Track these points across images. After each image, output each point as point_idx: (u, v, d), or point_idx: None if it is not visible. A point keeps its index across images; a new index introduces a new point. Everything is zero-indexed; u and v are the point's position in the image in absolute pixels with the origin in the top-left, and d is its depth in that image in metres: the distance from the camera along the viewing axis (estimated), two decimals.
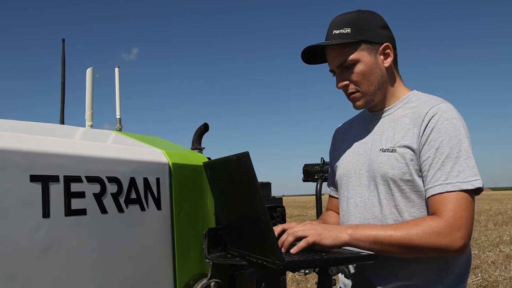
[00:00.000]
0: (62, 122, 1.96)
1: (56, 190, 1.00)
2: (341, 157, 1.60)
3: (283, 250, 1.25)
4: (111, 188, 1.14)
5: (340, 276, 1.57)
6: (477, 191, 1.28)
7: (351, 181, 1.52)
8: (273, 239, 1.14)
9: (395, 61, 1.50)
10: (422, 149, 1.34)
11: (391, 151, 1.39)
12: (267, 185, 2.03)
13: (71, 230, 1.03)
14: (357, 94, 1.47)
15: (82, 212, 1.06)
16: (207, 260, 1.38)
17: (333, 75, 1.51)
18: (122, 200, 1.16)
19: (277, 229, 1.39)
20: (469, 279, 1.46)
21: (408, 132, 1.39)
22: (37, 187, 0.97)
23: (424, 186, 1.33)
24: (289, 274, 6.09)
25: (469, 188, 1.26)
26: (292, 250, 1.23)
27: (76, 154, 1.08)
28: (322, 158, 2.73)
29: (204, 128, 1.80)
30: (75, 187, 1.05)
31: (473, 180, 1.27)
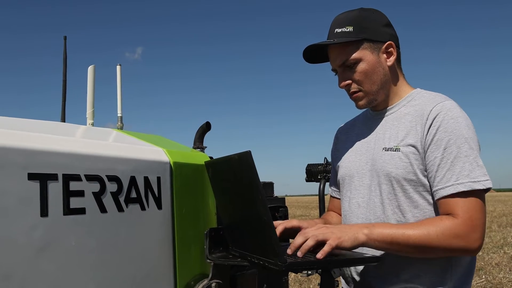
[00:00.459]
0: (63, 120, 1.95)
1: (55, 189, 0.99)
2: (343, 157, 1.58)
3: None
4: (111, 187, 1.12)
5: (342, 278, 1.55)
6: (486, 190, 1.27)
7: (354, 181, 1.50)
8: (275, 239, 1.13)
9: (398, 59, 1.47)
10: (428, 148, 1.31)
11: (395, 150, 1.37)
12: (270, 185, 2.02)
13: (69, 229, 1.01)
14: (360, 94, 1.44)
15: (81, 211, 1.04)
16: (208, 261, 1.36)
17: (335, 74, 1.49)
18: (122, 199, 1.15)
19: (279, 227, 1.37)
20: (473, 281, 1.44)
21: (411, 131, 1.36)
22: (35, 185, 0.95)
23: (432, 187, 1.31)
24: (292, 275, 6.07)
25: (481, 188, 1.25)
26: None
27: (75, 152, 1.06)
28: (325, 158, 2.71)
29: (206, 127, 1.79)
30: (74, 185, 1.03)
31: (484, 180, 1.25)
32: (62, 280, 0.99)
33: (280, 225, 1.39)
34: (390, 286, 1.37)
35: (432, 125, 1.31)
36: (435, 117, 1.32)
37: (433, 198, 1.33)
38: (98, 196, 1.09)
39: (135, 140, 1.41)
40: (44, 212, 0.96)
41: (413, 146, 1.34)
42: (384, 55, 1.43)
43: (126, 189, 1.16)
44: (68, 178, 1.02)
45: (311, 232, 1.25)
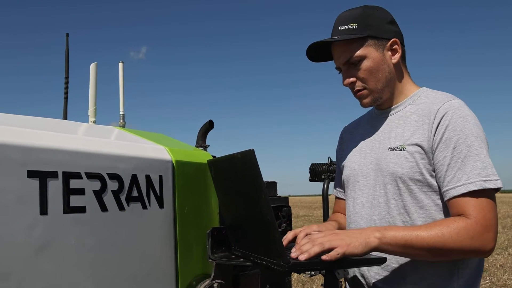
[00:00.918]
0: (65, 118, 1.94)
1: (54, 187, 0.98)
2: (348, 157, 1.56)
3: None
4: (112, 185, 1.11)
5: (346, 280, 1.53)
6: (496, 190, 1.24)
7: (358, 180, 1.48)
8: (278, 240, 1.11)
9: (403, 57, 1.45)
10: (437, 148, 1.29)
11: (400, 150, 1.35)
12: (273, 184, 2.00)
13: (69, 228, 1.00)
14: (364, 92, 1.42)
15: (81, 209, 1.03)
16: (210, 260, 1.35)
17: (339, 73, 1.47)
18: (123, 197, 1.14)
19: (288, 235, 1.35)
20: None
21: (417, 130, 1.34)
22: (35, 183, 0.94)
23: (442, 187, 1.29)
24: (295, 275, 6.05)
25: (492, 187, 1.22)
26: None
27: (76, 150, 1.05)
28: (329, 157, 2.69)
29: (209, 125, 1.77)
30: (74, 183, 1.02)
31: (495, 180, 1.23)
32: (61, 279, 0.97)
33: (289, 233, 1.36)
34: None
35: (440, 124, 1.29)
36: (443, 116, 1.29)
37: (441, 198, 1.30)
38: (98, 194, 1.07)
39: (137, 138, 1.39)
40: (43, 210, 0.95)
41: (419, 146, 1.32)
42: (389, 53, 1.41)
43: (127, 188, 1.15)
44: (68, 176, 1.01)
45: (318, 239, 1.20)
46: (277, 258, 1.11)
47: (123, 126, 1.95)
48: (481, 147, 1.25)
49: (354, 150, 1.54)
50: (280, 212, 1.86)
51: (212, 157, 1.48)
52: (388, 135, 1.42)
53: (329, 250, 1.15)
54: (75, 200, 1.01)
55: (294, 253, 1.18)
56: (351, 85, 1.44)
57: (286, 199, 1.97)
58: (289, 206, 1.93)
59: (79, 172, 1.03)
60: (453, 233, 1.19)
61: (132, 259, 1.15)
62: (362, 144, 1.52)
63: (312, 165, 2.80)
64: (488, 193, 1.23)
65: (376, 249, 1.21)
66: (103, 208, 1.08)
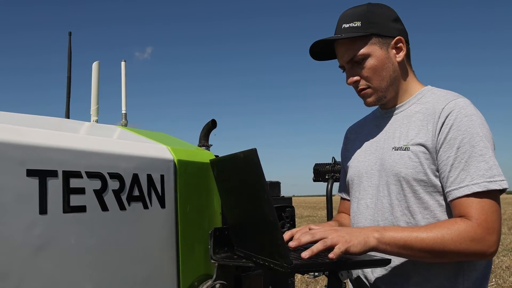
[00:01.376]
0: (67, 117, 1.93)
1: (54, 186, 0.96)
2: (353, 157, 1.54)
3: (305, 255, 1.13)
4: (113, 184, 1.10)
5: (349, 281, 1.52)
6: (501, 191, 1.22)
7: (362, 181, 1.46)
8: (281, 240, 1.09)
9: (408, 55, 1.43)
10: (440, 148, 1.27)
11: (404, 149, 1.33)
12: (276, 184, 1.98)
13: (69, 227, 0.99)
14: (368, 90, 1.40)
15: (82, 209, 1.02)
16: (212, 261, 1.33)
17: (343, 71, 1.46)
18: (124, 197, 1.12)
19: (286, 235, 1.34)
20: None
21: (422, 129, 1.32)
22: (34, 182, 0.93)
23: (445, 188, 1.27)
24: (298, 276, 6.03)
25: (497, 188, 1.20)
26: (331, 255, 1.11)
27: (76, 149, 1.03)
28: (333, 157, 2.67)
29: (212, 124, 1.76)
30: (74, 182, 1.00)
31: (500, 180, 1.20)
32: (61, 280, 0.96)
33: (287, 233, 1.34)
34: None
35: (445, 124, 1.27)
36: (448, 115, 1.27)
37: (445, 199, 1.28)
38: (99, 193, 1.06)
39: (139, 137, 1.38)
40: (43, 209, 0.94)
41: (423, 146, 1.30)
42: (393, 51, 1.39)
43: (128, 187, 1.14)
44: (69, 175, 1.00)
45: (318, 234, 1.20)
46: (280, 259, 1.10)
47: (125, 125, 1.94)
48: (486, 147, 1.23)
49: (358, 150, 1.53)
50: (283, 212, 1.84)
51: (214, 157, 1.47)
52: (392, 134, 1.41)
53: (331, 248, 1.14)
54: (75, 200, 1.00)
55: (292, 243, 1.17)
56: (355, 84, 1.42)
57: (289, 199, 1.96)
58: (293, 206, 1.91)
59: (79, 171, 1.02)
60: (454, 235, 1.18)
61: (133, 259, 1.14)
62: (367, 144, 1.50)
63: (316, 165, 2.78)
64: (492, 195, 1.21)
65: (374, 249, 1.19)
66: (104, 207, 1.07)
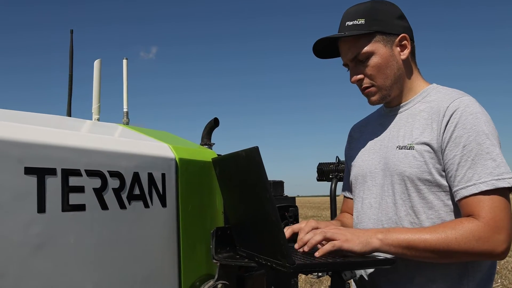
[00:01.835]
0: (69, 115, 1.92)
1: (53, 184, 0.95)
2: (357, 156, 1.52)
3: (306, 248, 1.20)
4: (113, 183, 1.08)
5: (353, 281, 1.50)
6: (510, 189, 1.19)
7: (366, 180, 1.44)
8: (284, 240, 1.08)
9: (412, 53, 1.41)
10: (446, 147, 1.25)
11: (409, 148, 1.31)
12: (280, 184, 1.97)
13: (68, 226, 0.97)
14: (372, 89, 1.39)
15: (81, 207, 1.00)
16: (214, 261, 1.32)
17: (347, 70, 1.44)
18: (124, 196, 1.11)
19: (286, 232, 1.32)
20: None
21: (427, 128, 1.30)
22: (32, 180, 0.91)
23: (452, 187, 1.25)
24: (302, 276, 6.01)
25: (505, 186, 1.18)
26: (317, 254, 1.16)
27: (76, 146, 1.02)
28: (337, 156, 2.66)
29: (214, 123, 1.74)
30: (73, 181, 0.99)
31: (509, 178, 1.18)
32: (59, 280, 0.95)
33: (288, 229, 1.33)
34: None
35: (450, 122, 1.25)
36: (453, 113, 1.25)
37: (451, 198, 1.26)
38: (99, 192, 1.05)
39: (140, 135, 1.37)
40: (41, 208, 0.92)
41: (428, 145, 1.28)
42: (398, 48, 1.37)
43: (129, 186, 1.12)
44: (68, 173, 0.98)
45: (321, 229, 1.23)
46: (282, 259, 1.08)
47: (127, 124, 1.93)
48: (493, 145, 1.21)
49: (362, 149, 1.51)
50: (286, 212, 1.83)
51: (217, 156, 1.46)
52: (396, 133, 1.39)
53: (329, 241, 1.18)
54: (74, 198, 0.99)
55: (297, 245, 1.22)
56: (359, 82, 1.40)
57: (293, 198, 1.94)
58: (296, 206, 1.90)
59: (79, 169, 1.01)
60: (458, 235, 1.16)
61: (133, 259, 1.12)
62: (371, 143, 1.48)
63: (320, 164, 2.77)
64: (500, 193, 1.18)
65: (377, 250, 1.19)
66: (104, 206, 1.05)
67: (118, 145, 1.15)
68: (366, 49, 1.35)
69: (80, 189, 1.00)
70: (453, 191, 1.24)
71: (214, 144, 1.76)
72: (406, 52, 1.38)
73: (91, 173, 1.03)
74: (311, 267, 1.16)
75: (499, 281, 6.37)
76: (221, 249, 1.35)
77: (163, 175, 1.23)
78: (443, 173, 1.27)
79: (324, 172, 2.72)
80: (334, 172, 2.67)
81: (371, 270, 1.39)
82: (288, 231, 1.32)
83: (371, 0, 1.39)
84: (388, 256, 1.23)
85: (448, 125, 1.25)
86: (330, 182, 2.72)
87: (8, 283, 0.86)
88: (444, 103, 1.30)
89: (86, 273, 1.01)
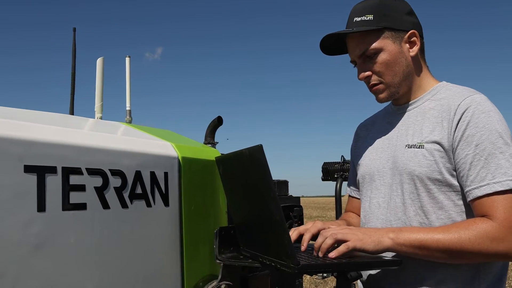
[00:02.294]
0: (71, 113, 1.91)
1: (53, 182, 0.94)
2: (364, 155, 1.50)
3: (320, 254, 1.17)
4: (115, 181, 1.07)
5: (360, 282, 1.47)
6: None
7: (374, 180, 1.41)
8: (288, 240, 1.06)
9: (422, 50, 1.39)
10: (457, 146, 1.22)
11: (418, 147, 1.28)
12: (284, 183, 1.95)
13: (68, 225, 0.96)
14: (380, 86, 1.36)
15: (82, 206, 0.99)
16: (217, 261, 1.31)
17: (354, 66, 1.41)
18: (126, 194, 1.10)
19: (293, 234, 1.30)
20: None
21: (437, 126, 1.27)
22: (32, 178, 0.90)
23: (464, 187, 1.22)
24: (307, 276, 5.99)
25: None
26: (331, 254, 1.14)
27: (77, 144, 1.01)
28: (342, 156, 2.63)
29: (218, 121, 1.73)
30: (74, 179, 0.98)
31: None
32: (59, 280, 0.93)
33: (294, 231, 1.31)
34: None
35: (461, 121, 1.22)
36: (464, 111, 1.23)
37: (462, 199, 1.24)
38: (100, 191, 1.03)
39: (143, 133, 1.36)
40: (41, 207, 0.91)
41: (439, 143, 1.25)
42: (407, 45, 1.35)
43: (130, 185, 1.11)
44: (68, 171, 0.97)
45: (330, 231, 1.20)
46: (287, 259, 1.06)
47: (130, 122, 1.92)
48: (506, 144, 1.18)
49: (370, 148, 1.48)
50: (291, 212, 1.81)
51: (220, 154, 1.44)
52: (405, 132, 1.36)
53: (341, 243, 1.15)
54: (75, 197, 0.97)
55: (303, 247, 1.20)
56: (367, 79, 1.38)
57: (297, 198, 1.92)
58: (301, 206, 1.88)
59: (80, 168, 0.99)
60: (472, 235, 1.13)
61: (135, 259, 1.11)
62: (378, 141, 1.46)
63: (325, 163, 2.74)
64: None
65: (389, 249, 1.17)
66: (105, 205, 1.04)
67: (120, 143, 1.13)
68: (374, 45, 1.32)
69: (81, 188, 0.99)
70: (465, 191, 1.22)
71: (217, 143, 1.74)
72: (415, 48, 1.35)
73: (92, 172, 1.02)
74: (316, 268, 1.14)
75: (507, 283, 6.32)
76: (224, 249, 1.33)
77: (166, 174, 1.21)
78: (454, 173, 1.24)
79: (329, 172, 2.70)
80: (339, 172, 2.65)
81: (379, 270, 1.36)
82: (294, 233, 1.29)
83: None
84: (397, 256, 1.20)
85: (459, 124, 1.23)
86: (335, 182, 2.70)
87: (7, 283, 0.84)
88: (455, 101, 1.27)
89: (86, 274, 0.99)
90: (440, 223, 1.24)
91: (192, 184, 1.29)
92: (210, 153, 1.42)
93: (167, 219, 1.21)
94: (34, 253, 0.89)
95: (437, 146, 1.25)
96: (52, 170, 0.94)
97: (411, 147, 1.30)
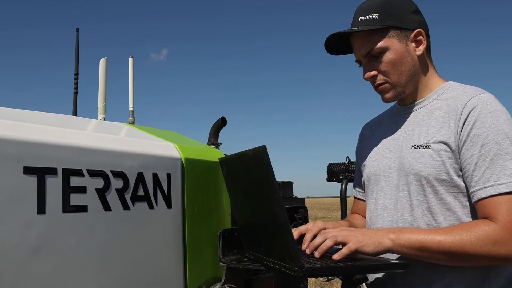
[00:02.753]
0: (74, 114, 1.90)
1: (54, 184, 0.92)
2: (369, 155, 1.48)
3: (317, 254, 1.16)
4: (116, 183, 1.05)
5: (365, 285, 1.45)
6: None
7: (380, 181, 1.39)
8: (292, 242, 1.04)
9: (428, 49, 1.37)
10: (463, 146, 1.20)
11: (425, 148, 1.26)
12: (289, 185, 1.93)
13: (69, 228, 0.94)
14: (386, 85, 1.34)
15: (83, 208, 0.98)
16: (221, 264, 1.29)
17: (360, 66, 1.39)
18: (128, 196, 1.08)
19: (294, 234, 1.28)
20: None
21: (443, 126, 1.25)
22: (32, 180, 0.89)
23: (469, 188, 1.20)
24: (312, 278, 5.96)
25: None
26: (335, 257, 1.13)
27: (77, 145, 0.99)
28: (347, 157, 2.61)
29: (222, 122, 1.71)
30: (75, 181, 0.96)
31: None
32: (59, 283, 0.92)
33: (296, 230, 1.29)
34: None
35: (468, 120, 1.20)
36: (471, 111, 1.20)
37: (469, 200, 1.21)
38: (101, 192, 1.02)
39: (145, 134, 1.34)
40: (41, 209, 0.89)
41: (446, 144, 1.23)
42: (413, 44, 1.33)
43: (132, 186, 1.10)
44: (69, 173, 0.96)
45: (331, 233, 1.19)
46: (291, 262, 1.04)
47: (133, 123, 1.91)
48: None
49: (375, 148, 1.46)
50: (296, 213, 1.79)
51: (224, 156, 1.42)
52: (411, 132, 1.34)
53: (342, 245, 1.14)
54: (76, 199, 0.96)
55: (304, 246, 1.18)
56: (372, 79, 1.36)
57: (302, 200, 1.90)
58: (306, 207, 1.86)
59: (81, 169, 0.98)
60: (474, 238, 1.11)
61: (137, 262, 1.09)
62: (384, 142, 1.43)
63: (330, 164, 2.72)
64: None
65: (390, 250, 1.16)
66: (106, 207, 1.02)
67: (122, 144, 1.12)
68: (380, 44, 1.30)
69: (82, 190, 0.98)
70: (469, 192, 1.20)
71: (221, 144, 1.73)
72: (422, 48, 1.33)
73: (93, 173, 1.00)
74: (320, 271, 1.12)
75: None
76: (228, 251, 1.32)
77: (169, 175, 1.20)
78: (461, 173, 1.22)
79: (334, 173, 2.67)
80: (345, 173, 2.63)
81: (386, 274, 1.34)
82: (295, 232, 1.28)
83: None
84: (403, 259, 1.18)
85: (466, 123, 1.20)
86: (340, 183, 2.68)
87: (6, 286, 0.83)
88: (461, 100, 1.25)
89: (87, 277, 0.98)
90: (448, 225, 1.22)
91: (195, 186, 1.27)
92: (214, 154, 1.40)
93: (169, 221, 1.19)
94: (33, 256, 0.87)
95: (444, 146, 1.23)
96: (53, 171, 0.92)
97: (417, 148, 1.28)
